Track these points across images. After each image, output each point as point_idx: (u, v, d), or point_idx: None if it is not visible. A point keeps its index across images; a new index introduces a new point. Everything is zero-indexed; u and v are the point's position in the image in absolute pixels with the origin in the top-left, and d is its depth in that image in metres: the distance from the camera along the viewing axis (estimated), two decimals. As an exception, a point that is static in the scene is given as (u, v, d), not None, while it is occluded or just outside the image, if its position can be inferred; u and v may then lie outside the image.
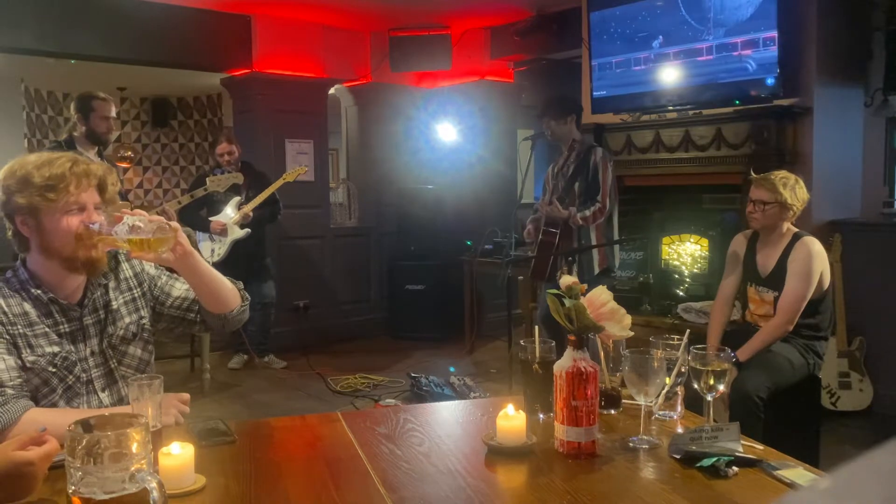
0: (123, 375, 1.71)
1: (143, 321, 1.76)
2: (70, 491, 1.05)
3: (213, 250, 5.01)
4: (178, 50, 5.73)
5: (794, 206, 2.88)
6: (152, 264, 1.79)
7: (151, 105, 9.46)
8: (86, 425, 1.09)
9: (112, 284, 1.72)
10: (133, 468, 1.05)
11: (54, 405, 1.60)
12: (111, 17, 5.37)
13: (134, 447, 1.05)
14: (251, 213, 4.95)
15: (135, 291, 1.76)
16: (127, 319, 1.73)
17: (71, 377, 1.63)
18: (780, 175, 2.93)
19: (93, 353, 1.66)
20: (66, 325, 1.63)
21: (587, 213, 3.91)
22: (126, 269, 1.76)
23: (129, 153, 9.19)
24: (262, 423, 1.46)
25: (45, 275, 1.62)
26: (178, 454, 1.27)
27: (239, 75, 6.15)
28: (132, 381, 1.41)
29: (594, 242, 3.99)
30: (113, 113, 3.95)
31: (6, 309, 1.57)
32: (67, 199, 1.54)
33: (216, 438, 1.52)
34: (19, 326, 1.57)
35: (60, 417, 1.45)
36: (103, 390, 1.67)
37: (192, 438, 1.42)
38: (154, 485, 1.04)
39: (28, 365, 1.57)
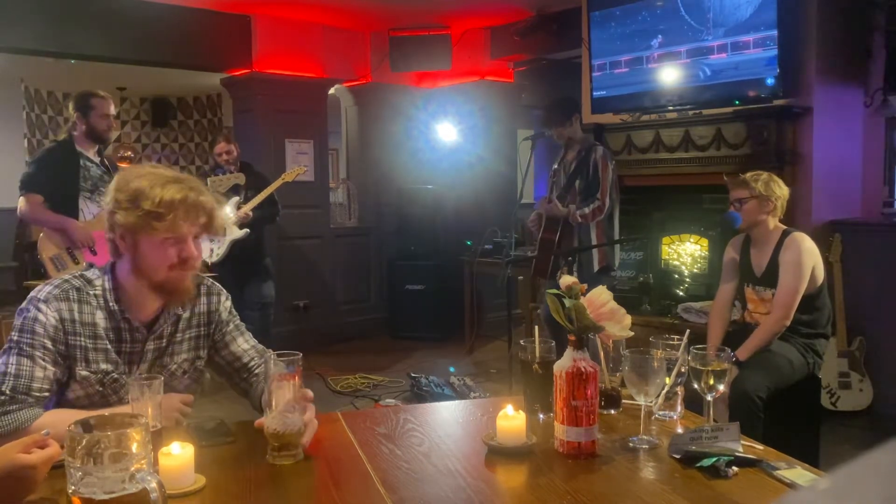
0: None
1: (199, 362, 1.74)
2: (70, 491, 1.05)
3: (211, 250, 5.00)
4: (178, 50, 5.73)
5: (771, 199, 2.93)
6: (227, 307, 1.77)
7: (151, 105, 9.46)
8: (86, 425, 1.09)
9: (185, 315, 1.69)
10: (133, 468, 1.05)
11: None
12: (111, 17, 5.37)
13: (134, 447, 1.05)
14: (250, 214, 4.94)
15: (202, 329, 1.72)
16: (184, 356, 1.70)
17: (114, 397, 1.61)
18: (751, 173, 3.02)
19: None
20: (129, 345, 1.61)
21: (586, 210, 3.95)
22: (202, 305, 1.73)
23: (129, 153, 9.19)
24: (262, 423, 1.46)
25: (130, 290, 1.59)
26: (178, 454, 1.27)
27: (239, 75, 6.15)
28: (132, 380, 1.41)
29: (594, 240, 4.02)
30: (112, 111, 3.92)
31: (76, 317, 1.55)
32: (170, 229, 1.51)
33: (216, 438, 1.52)
34: (82, 337, 1.55)
35: (74, 418, 1.45)
36: None
37: (192, 438, 1.42)
38: (154, 485, 1.04)
39: (78, 378, 1.56)
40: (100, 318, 1.57)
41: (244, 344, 1.78)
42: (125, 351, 1.61)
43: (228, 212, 4.97)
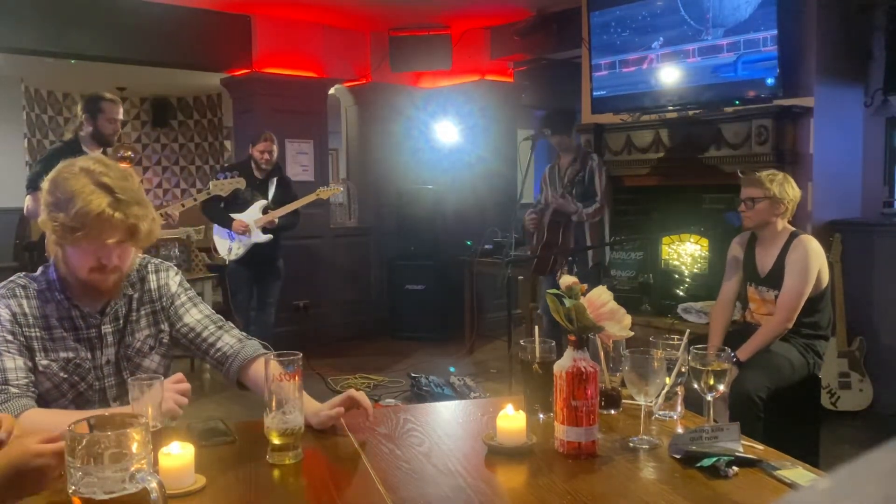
0: None
1: (162, 335, 1.74)
2: (70, 491, 1.05)
3: (230, 248, 4.96)
4: (178, 50, 5.73)
5: (784, 201, 2.91)
6: (177, 280, 1.78)
7: (151, 105, 9.46)
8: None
9: (136, 296, 1.71)
10: (133, 468, 1.05)
11: (64, 409, 1.60)
12: (111, 17, 5.37)
13: (134, 447, 1.05)
14: (276, 221, 4.94)
15: (156, 304, 1.74)
16: (145, 332, 1.71)
17: (83, 384, 1.62)
18: (767, 172, 2.99)
19: (108, 362, 1.66)
20: (84, 332, 1.63)
21: (590, 209, 4.37)
22: (152, 282, 1.75)
23: (129, 153, 9.18)
24: (262, 423, 1.46)
25: (70, 280, 1.62)
26: (178, 454, 1.27)
27: (239, 75, 6.15)
28: (132, 381, 1.41)
29: (589, 240, 4.43)
30: (120, 115, 3.98)
31: (26, 311, 1.58)
32: (85, 241, 1.50)
33: (216, 438, 1.52)
34: (37, 329, 1.58)
35: (60, 418, 1.44)
36: (115, 400, 1.67)
37: (192, 438, 1.42)
38: (154, 485, 1.04)
39: (41, 368, 1.57)
40: (50, 310, 1.60)
41: (198, 314, 1.76)
42: (84, 337, 1.63)
43: (254, 213, 4.96)
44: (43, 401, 1.57)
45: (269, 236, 4.92)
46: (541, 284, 4.80)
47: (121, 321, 1.68)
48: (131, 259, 1.62)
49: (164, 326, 1.75)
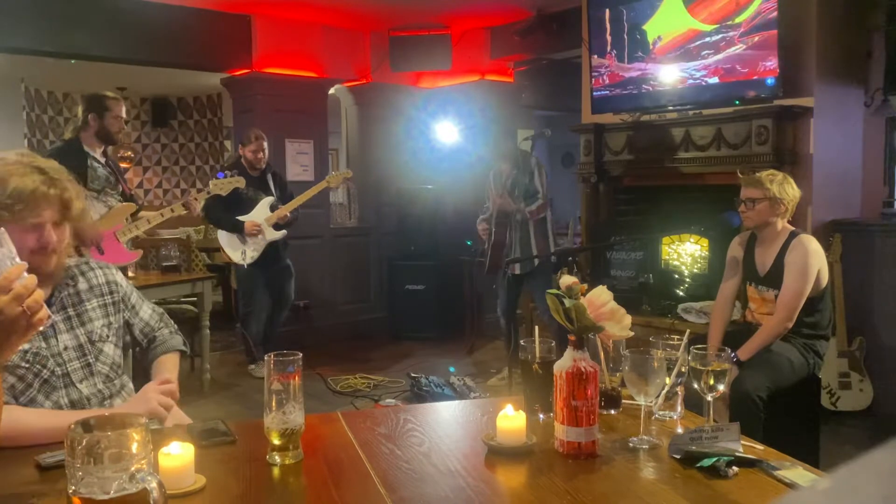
0: (99, 371, 1.78)
1: (115, 325, 1.85)
2: (70, 491, 1.05)
3: (244, 252, 4.92)
4: (178, 50, 5.73)
5: (784, 201, 2.91)
6: (123, 278, 1.94)
7: (151, 105, 9.46)
8: (86, 425, 1.09)
9: (83, 286, 1.81)
10: (133, 468, 1.05)
11: (33, 400, 1.66)
12: (111, 17, 5.37)
13: (134, 447, 1.05)
14: (289, 215, 4.92)
15: (107, 298, 1.86)
16: (101, 321, 1.82)
17: (45, 371, 1.68)
18: (767, 172, 3.00)
19: (66, 348, 1.72)
20: None
21: (533, 207, 4.54)
22: (98, 276, 1.86)
23: (129, 153, 9.19)
24: (262, 423, 1.46)
25: None
26: (178, 454, 1.27)
27: (239, 75, 6.15)
28: None
29: (532, 236, 4.64)
30: (124, 112, 4.04)
31: None
32: (22, 219, 1.55)
33: (216, 438, 1.52)
34: None
35: (36, 417, 1.52)
36: (81, 381, 1.74)
37: (192, 438, 1.42)
38: (154, 485, 1.04)
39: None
40: None
41: (148, 310, 1.97)
42: None
43: (262, 212, 4.95)
44: (10, 396, 1.61)
45: (283, 232, 4.91)
46: (497, 281, 4.92)
47: (69, 310, 1.76)
48: (66, 242, 1.67)
49: (114, 319, 1.86)
